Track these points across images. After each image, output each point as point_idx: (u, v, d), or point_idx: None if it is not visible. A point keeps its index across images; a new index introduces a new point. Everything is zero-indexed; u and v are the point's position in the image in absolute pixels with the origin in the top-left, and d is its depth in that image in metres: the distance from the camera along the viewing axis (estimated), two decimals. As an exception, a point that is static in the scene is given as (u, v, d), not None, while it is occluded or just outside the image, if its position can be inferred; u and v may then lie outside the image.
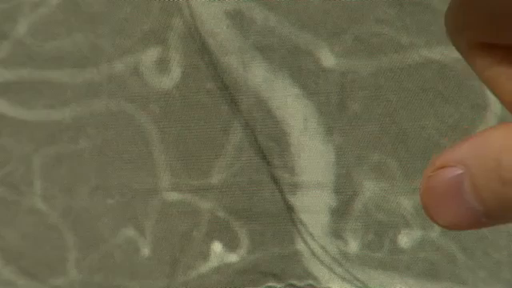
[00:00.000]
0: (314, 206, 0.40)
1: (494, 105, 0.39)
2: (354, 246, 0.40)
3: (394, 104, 0.40)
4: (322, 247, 0.40)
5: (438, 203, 0.17)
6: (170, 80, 0.41)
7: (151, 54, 0.41)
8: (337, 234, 0.40)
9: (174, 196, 0.41)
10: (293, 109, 0.40)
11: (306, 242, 0.40)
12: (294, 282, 0.40)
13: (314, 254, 0.40)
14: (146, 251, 0.41)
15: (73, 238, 0.41)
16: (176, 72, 0.41)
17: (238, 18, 0.40)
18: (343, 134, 0.40)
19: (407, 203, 0.40)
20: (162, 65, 0.41)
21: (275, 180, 0.40)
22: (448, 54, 0.40)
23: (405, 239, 0.40)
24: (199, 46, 0.40)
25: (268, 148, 0.40)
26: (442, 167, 0.17)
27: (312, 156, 0.40)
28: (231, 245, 0.41)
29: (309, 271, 0.40)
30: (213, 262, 0.40)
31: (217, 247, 0.41)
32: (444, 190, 0.17)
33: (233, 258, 0.40)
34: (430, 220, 0.18)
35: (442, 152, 0.17)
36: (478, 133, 0.17)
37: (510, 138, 0.16)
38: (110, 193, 0.41)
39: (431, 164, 0.17)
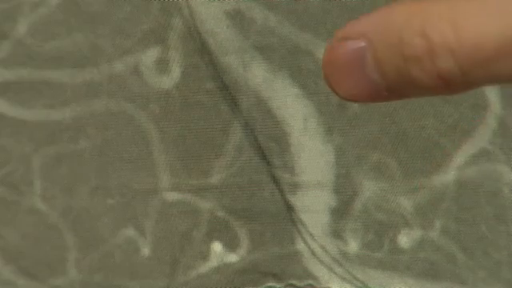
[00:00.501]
0: (314, 205, 0.40)
1: (494, 105, 0.39)
2: (353, 245, 0.40)
3: (393, 104, 0.40)
4: (322, 247, 0.40)
5: (340, 74, 0.17)
6: (169, 80, 0.41)
7: (151, 54, 0.41)
8: (337, 233, 0.40)
9: (174, 196, 0.41)
10: (293, 109, 0.40)
11: (306, 242, 0.40)
12: (294, 282, 0.40)
13: (314, 253, 0.40)
14: (146, 251, 0.41)
15: (73, 238, 0.41)
16: (176, 72, 0.41)
17: (238, 18, 0.40)
18: (343, 134, 0.40)
19: (407, 203, 0.40)
20: (162, 65, 0.41)
21: (275, 180, 0.40)
22: (448, 54, 0.40)
23: (405, 239, 0.40)
24: (199, 46, 0.40)
25: (268, 148, 0.40)
26: (345, 39, 0.17)
27: (312, 156, 0.40)
28: (231, 245, 0.41)
29: (309, 271, 0.40)
30: (213, 262, 0.41)
31: (217, 247, 0.41)
32: (346, 62, 0.17)
33: (233, 257, 0.40)
34: (331, 90, 0.18)
35: (349, 22, 0.17)
36: (382, 7, 0.17)
37: (413, 14, 0.16)
38: (109, 193, 0.41)
39: (335, 35, 0.17)
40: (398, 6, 0.17)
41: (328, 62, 0.18)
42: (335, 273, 0.40)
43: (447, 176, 0.40)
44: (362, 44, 0.17)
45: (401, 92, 0.17)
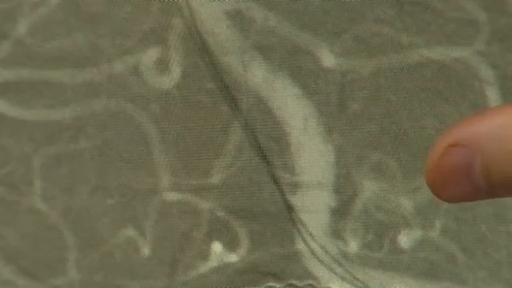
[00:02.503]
0: (313, 206, 0.40)
1: (494, 105, 0.39)
2: (353, 246, 0.40)
3: (393, 104, 0.40)
4: (322, 247, 0.40)
5: (445, 181, 0.17)
6: (169, 80, 0.41)
7: (151, 54, 0.41)
8: (337, 234, 0.40)
9: (174, 196, 0.41)
10: (293, 109, 0.40)
11: (305, 242, 0.40)
12: (294, 282, 0.40)
13: (314, 253, 0.40)
14: (146, 251, 0.41)
15: (73, 238, 0.41)
16: (176, 72, 0.41)
17: (238, 18, 0.40)
18: (343, 134, 0.40)
19: (407, 203, 0.40)
20: (162, 65, 0.41)
21: (275, 180, 0.40)
22: (448, 53, 0.40)
23: (405, 239, 0.40)
24: (199, 46, 0.40)
25: (268, 148, 0.40)
26: (454, 145, 0.17)
27: (312, 156, 0.40)
28: (231, 245, 0.41)
29: (309, 271, 0.40)
30: (213, 262, 0.40)
31: (217, 247, 0.41)
32: (453, 170, 0.17)
33: (233, 257, 0.40)
34: (431, 191, 0.18)
35: (452, 127, 0.17)
36: (488, 110, 0.17)
37: None
38: (109, 193, 0.41)
39: (442, 139, 0.17)
40: (510, 109, 0.17)
41: (434, 168, 0.18)
42: (335, 273, 0.40)
43: (447, 176, 0.40)
44: (471, 151, 0.17)
45: (501, 195, 0.17)
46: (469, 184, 0.17)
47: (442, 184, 0.18)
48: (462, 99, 0.39)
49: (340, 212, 0.40)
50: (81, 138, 0.41)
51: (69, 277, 0.41)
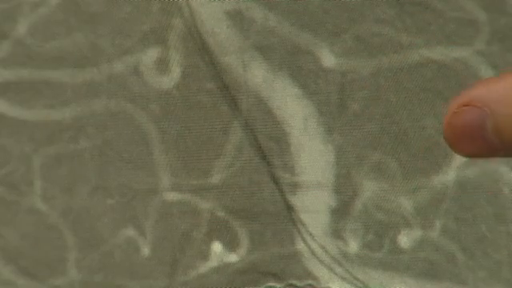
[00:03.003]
0: (313, 206, 0.40)
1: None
2: (354, 245, 0.40)
3: (393, 104, 0.40)
4: (322, 247, 0.40)
5: (460, 137, 0.19)
6: (169, 80, 0.41)
7: (151, 54, 0.41)
8: (337, 233, 0.40)
9: (174, 196, 0.41)
10: (293, 109, 0.40)
11: (305, 242, 0.40)
12: (294, 281, 0.40)
13: (314, 253, 0.40)
14: (146, 251, 0.41)
15: (73, 238, 0.41)
16: (176, 72, 0.41)
17: (238, 18, 0.40)
18: (343, 134, 0.40)
19: (407, 203, 0.40)
20: (162, 65, 0.41)
21: (275, 180, 0.40)
22: (448, 53, 0.40)
23: (405, 239, 0.40)
24: (199, 46, 0.40)
25: (268, 148, 0.40)
26: (467, 105, 0.19)
27: (312, 156, 0.40)
28: (231, 245, 0.40)
29: (309, 271, 0.40)
30: (213, 262, 0.40)
31: (217, 247, 0.41)
32: (467, 127, 0.19)
33: (233, 257, 0.40)
34: (450, 148, 0.20)
35: (469, 87, 0.19)
36: (503, 74, 0.18)
37: None
38: (109, 193, 0.41)
39: (457, 99, 0.19)
40: None
41: (450, 125, 0.19)
42: (335, 273, 0.40)
43: (447, 176, 0.40)
44: (483, 112, 0.18)
45: None
46: (483, 142, 0.19)
47: (456, 141, 0.19)
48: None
49: (340, 212, 0.40)
50: (81, 138, 0.41)
51: (69, 277, 0.41)
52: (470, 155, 0.19)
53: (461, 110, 0.19)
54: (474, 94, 0.19)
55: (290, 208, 0.40)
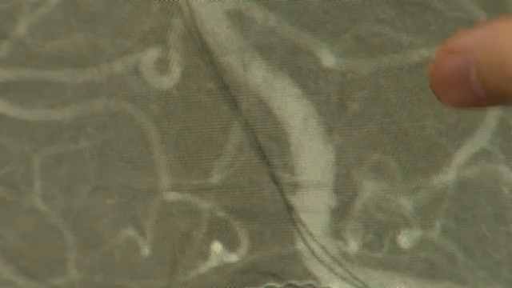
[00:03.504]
0: (314, 206, 0.40)
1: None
2: (354, 246, 0.40)
3: (393, 104, 0.40)
4: (322, 247, 0.40)
5: (445, 85, 0.19)
6: (169, 80, 0.41)
7: (151, 54, 0.41)
8: (337, 234, 0.40)
9: (174, 196, 0.41)
10: (293, 109, 0.40)
11: (305, 242, 0.40)
12: (294, 281, 0.40)
13: (314, 254, 0.40)
14: (146, 251, 0.41)
15: (73, 238, 0.41)
16: (176, 72, 0.41)
17: (237, 18, 0.40)
18: (343, 134, 0.40)
19: (407, 203, 0.40)
20: (162, 65, 0.41)
21: (275, 180, 0.40)
22: (448, 54, 0.40)
23: (405, 239, 0.40)
24: (199, 46, 0.40)
25: (268, 148, 0.40)
26: (451, 52, 0.18)
27: (312, 156, 0.40)
28: (231, 245, 0.40)
29: (309, 271, 0.40)
30: (213, 262, 0.40)
31: (217, 247, 0.41)
32: (451, 75, 0.19)
33: (233, 257, 0.40)
34: (436, 97, 0.19)
35: (454, 35, 0.19)
36: (488, 22, 0.18)
37: None
38: (109, 193, 0.41)
39: (442, 47, 0.19)
40: (503, 25, 0.18)
41: (435, 74, 0.19)
42: (335, 273, 0.40)
43: (447, 176, 0.40)
44: (467, 59, 0.18)
45: (500, 103, 0.18)
46: (468, 90, 0.18)
47: (441, 88, 0.19)
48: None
49: (340, 212, 0.40)
50: (81, 138, 0.41)
51: (69, 277, 0.41)
52: (456, 104, 0.19)
53: (444, 57, 0.19)
54: (458, 41, 0.18)
55: (289, 208, 0.40)
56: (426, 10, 0.40)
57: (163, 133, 0.41)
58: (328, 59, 0.40)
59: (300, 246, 0.40)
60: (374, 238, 0.40)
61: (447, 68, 0.19)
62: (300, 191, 0.40)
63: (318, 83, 0.40)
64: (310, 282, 0.40)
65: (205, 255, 0.41)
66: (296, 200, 0.40)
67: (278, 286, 0.40)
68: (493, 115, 0.39)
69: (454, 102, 0.19)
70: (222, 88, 0.40)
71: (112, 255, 0.41)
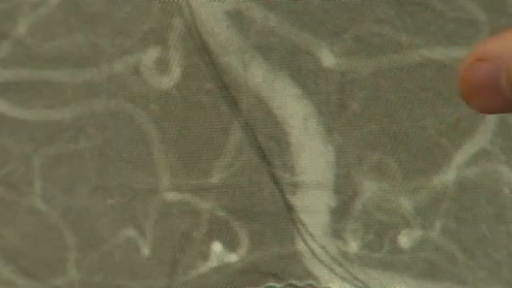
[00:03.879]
0: (314, 205, 0.40)
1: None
2: (354, 246, 0.40)
3: (393, 104, 0.40)
4: (322, 247, 0.40)
5: (475, 92, 0.19)
6: (169, 80, 0.41)
7: (151, 54, 0.41)
8: (337, 234, 0.40)
9: (174, 196, 0.41)
10: (293, 109, 0.40)
11: (305, 242, 0.40)
12: (294, 281, 0.40)
13: (314, 254, 0.40)
14: (146, 251, 0.41)
15: (73, 238, 0.41)
16: (176, 72, 0.41)
17: (237, 18, 0.40)
18: (343, 134, 0.40)
19: (407, 203, 0.40)
20: (162, 65, 0.41)
21: (275, 180, 0.40)
22: (448, 53, 0.40)
23: (405, 239, 0.40)
24: (199, 46, 0.40)
25: (268, 148, 0.40)
26: (481, 60, 0.19)
27: (312, 156, 0.40)
28: (231, 245, 0.40)
29: (309, 271, 0.40)
30: (213, 262, 0.40)
31: (217, 247, 0.41)
32: (481, 82, 0.19)
33: (233, 257, 0.40)
34: (466, 104, 0.19)
35: (482, 42, 0.19)
36: None
37: None
38: (109, 193, 0.41)
39: (471, 54, 0.19)
40: None
41: (465, 81, 0.19)
42: (335, 273, 0.40)
43: (447, 176, 0.40)
44: (497, 65, 0.18)
45: None
46: (498, 96, 0.19)
47: (471, 96, 0.19)
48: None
49: (340, 212, 0.40)
50: (81, 138, 0.41)
51: (69, 277, 0.41)
52: (486, 111, 0.19)
53: (475, 65, 0.19)
54: (487, 48, 0.19)
55: (290, 208, 0.40)
56: (425, 10, 0.40)
57: (163, 133, 0.41)
58: (328, 59, 0.40)
59: (300, 245, 0.40)
60: (374, 238, 0.40)
61: (477, 74, 0.19)
62: (300, 191, 0.40)
63: (318, 83, 0.40)
64: (310, 281, 0.40)
65: (205, 255, 0.41)
66: (296, 200, 0.40)
67: (277, 286, 0.40)
68: (493, 115, 0.39)
69: (484, 107, 0.19)
70: (221, 88, 0.40)
71: (112, 255, 0.41)
